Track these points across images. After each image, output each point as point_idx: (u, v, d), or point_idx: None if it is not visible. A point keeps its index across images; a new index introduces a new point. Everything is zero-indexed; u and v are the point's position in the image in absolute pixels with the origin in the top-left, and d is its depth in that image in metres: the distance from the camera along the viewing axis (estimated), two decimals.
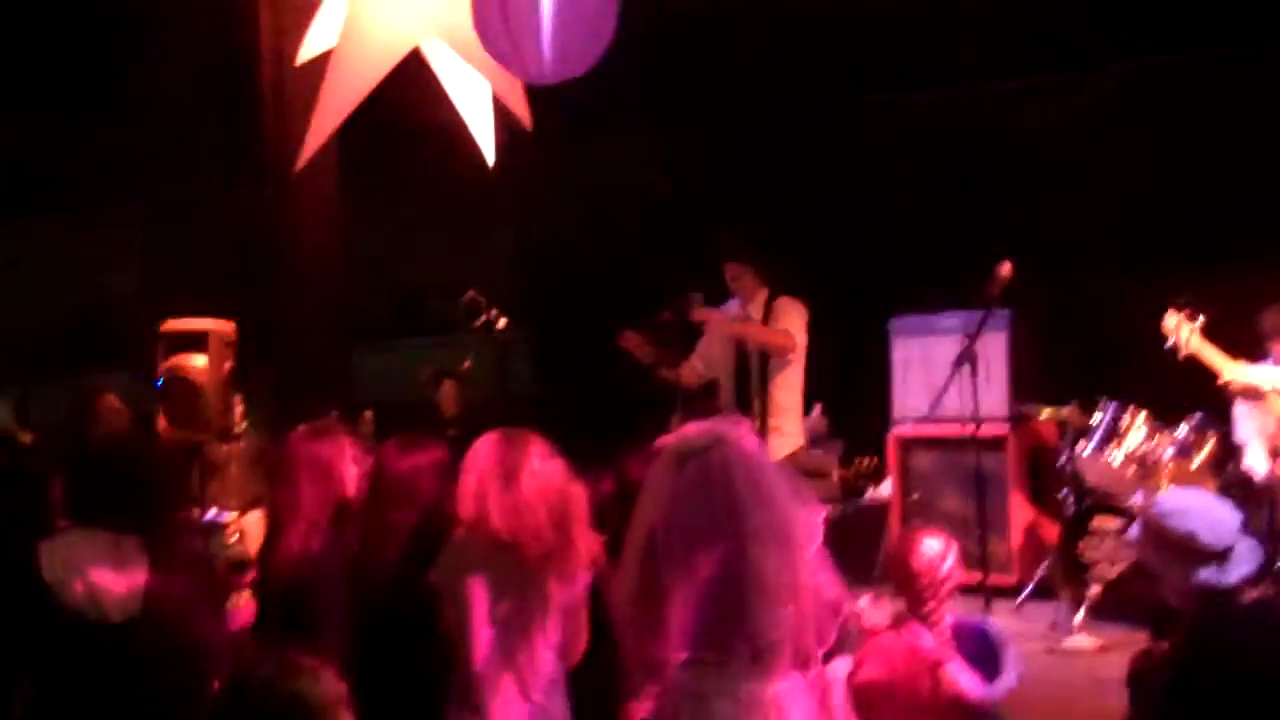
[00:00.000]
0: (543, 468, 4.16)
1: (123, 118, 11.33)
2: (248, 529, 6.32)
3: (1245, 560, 3.86)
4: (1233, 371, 6.62)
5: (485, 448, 4.23)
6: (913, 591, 4.20)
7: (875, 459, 8.49)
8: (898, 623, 4.19)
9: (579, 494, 4.22)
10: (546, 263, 11.69)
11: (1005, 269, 6.31)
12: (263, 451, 6.95)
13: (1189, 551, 3.86)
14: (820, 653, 3.84)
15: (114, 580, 3.90)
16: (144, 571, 3.92)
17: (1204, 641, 3.93)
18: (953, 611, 4.35)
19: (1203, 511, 3.90)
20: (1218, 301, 7.43)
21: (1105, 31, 9.00)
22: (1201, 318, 6.74)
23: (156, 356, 7.03)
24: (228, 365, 7.07)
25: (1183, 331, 6.71)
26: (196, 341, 7.01)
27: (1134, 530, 4.06)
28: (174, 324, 7.10)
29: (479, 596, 4.09)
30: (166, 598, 3.93)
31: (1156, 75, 9.33)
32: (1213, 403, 7.44)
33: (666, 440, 3.87)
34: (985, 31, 9.33)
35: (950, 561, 4.23)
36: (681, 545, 3.66)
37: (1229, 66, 9.04)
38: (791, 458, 7.04)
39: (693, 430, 3.79)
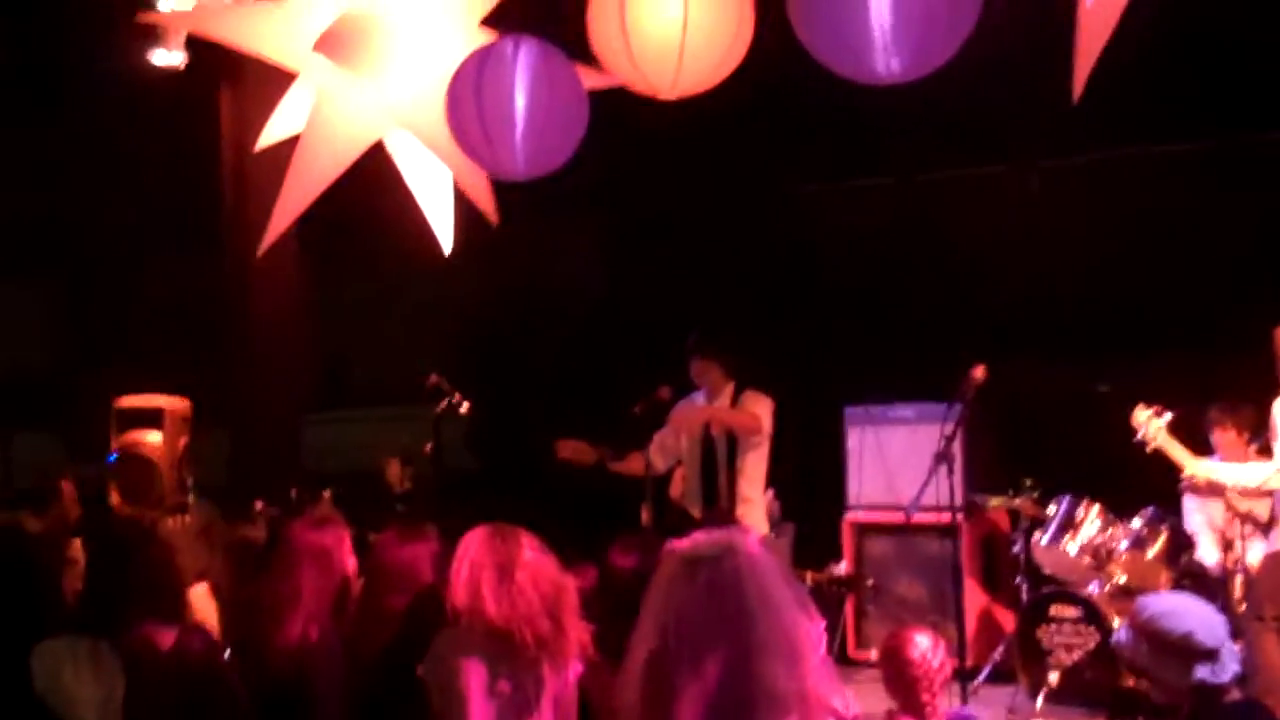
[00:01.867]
0: (535, 559, 4.22)
1: (69, 186, 11.25)
2: (195, 603, 6.26)
3: (1232, 659, 3.98)
4: (1195, 466, 6.78)
5: (477, 540, 4.26)
6: (907, 684, 4.25)
7: (848, 567, 8.58)
8: (893, 718, 4.24)
9: (570, 585, 4.27)
10: (483, 344, 11.71)
11: (979, 372, 6.47)
12: (210, 524, 6.92)
13: (1187, 651, 3.97)
14: None
15: (92, 688, 3.88)
16: (121, 678, 3.91)
17: None
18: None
19: (1196, 612, 4.02)
20: (1160, 391, 7.62)
21: (1033, 127, 9.21)
22: (1169, 414, 6.94)
23: (109, 431, 7.02)
24: (183, 441, 7.06)
25: (1151, 426, 6.91)
26: (151, 418, 7.01)
27: (1122, 634, 4.14)
28: (128, 400, 7.10)
29: (475, 684, 4.12)
30: (146, 705, 3.91)
31: (1085, 171, 9.56)
32: (1162, 495, 7.62)
33: (678, 545, 3.90)
34: (917, 124, 9.52)
35: (941, 655, 4.30)
36: (690, 651, 3.68)
37: (1157, 164, 9.28)
38: None
39: (704, 537, 3.83)
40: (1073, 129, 8.81)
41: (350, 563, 4.69)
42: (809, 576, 7.52)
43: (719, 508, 6.90)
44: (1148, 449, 6.92)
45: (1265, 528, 6.89)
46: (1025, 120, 9.01)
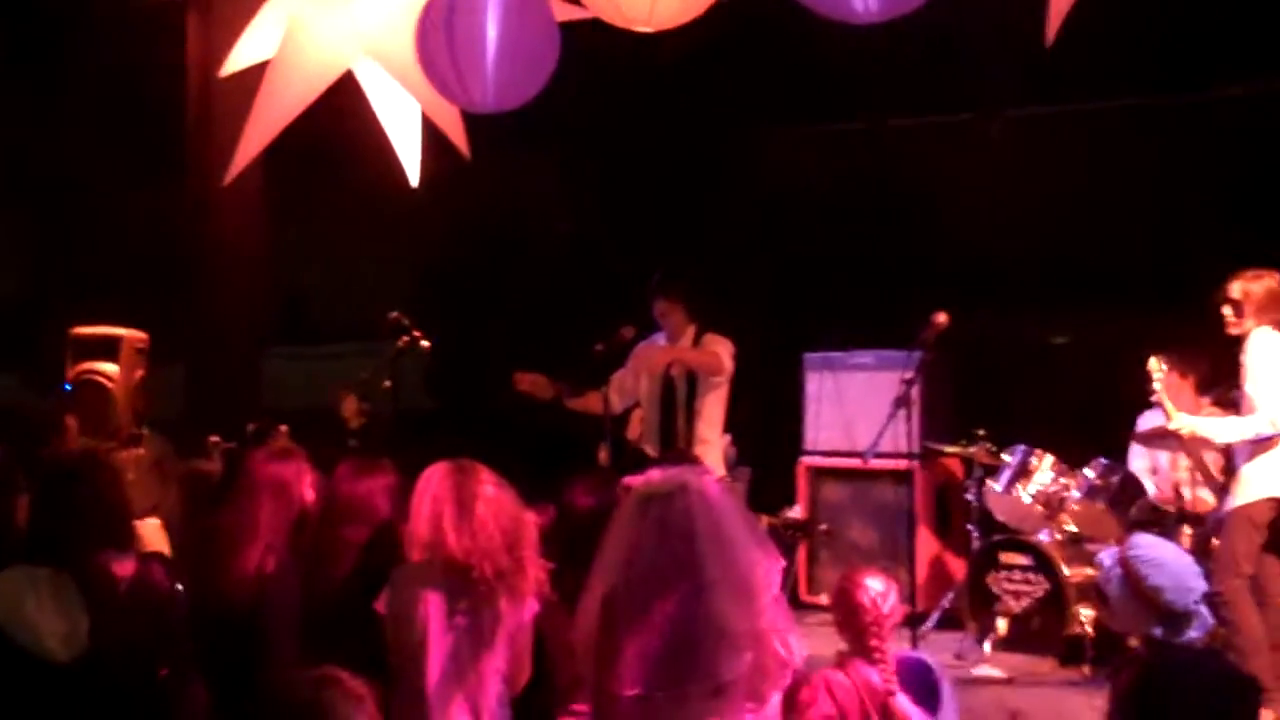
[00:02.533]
0: (495, 494, 4.24)
1: (33, 113, 11.09)
2: (145, 535, 6.25)
3: (1198, 626, 4.02)
4: (1179, 420, 6.80)
5: (438, 475, 4.28)
6: (858, 630, 4.26)
7: (804, 512, 8.64)
8: (843, 661, 4.27)
9: (530, 521, 4.31)
10: (445, 281, 11.67)
11: (941, 318, 6.51)
12: (164, 457, 6.90)
13: (1151, 605, 4.02)
14: (772, 695, 3.93)
15: (56, 620, 3.88)
16: (84, 609, 3.90)
17: (1149, 688, 4.11)
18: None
19: (1175, 572, 4.04)
20: (1118, 344, 7.69)
21: (1001, 76, 9.22)
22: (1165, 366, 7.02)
23: (65, 360, 6.96)
24: (139, 373, 7.01)
25: (1156, 376, 6.95)
26: (107, 347, 6.95)
27: (1105, 558, 4.19)
28: (84, 329, 7.03)
29: (433, 616, 4.15)
30: (112, 636, 3.91)
31: (1051, 122, 9.58)
32: (1117, 447, 7.70)
33: (633, 482, 3.94)
34: (886, 69, 9.51)
35: (893, 599, 4.31)
36: (643, 587, 3.73)
37: (1121, 117, 9.31)
38: None
39: (658, 475, 3.87)
40: (1040, 79, 8.89)
41: (309, 495, 4.70)
42: (763, 520, 7.59)
43: (676, 448, 6.91)
44: (1152, 399, 6.97)
45: (1212, 479, 6.98)
46: (993, 69, 9.05)
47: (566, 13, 6.12)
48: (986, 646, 7.62)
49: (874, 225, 10.02)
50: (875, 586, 4.27)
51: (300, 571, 4.51)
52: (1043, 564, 7.54)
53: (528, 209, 11.11)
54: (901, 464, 7.63)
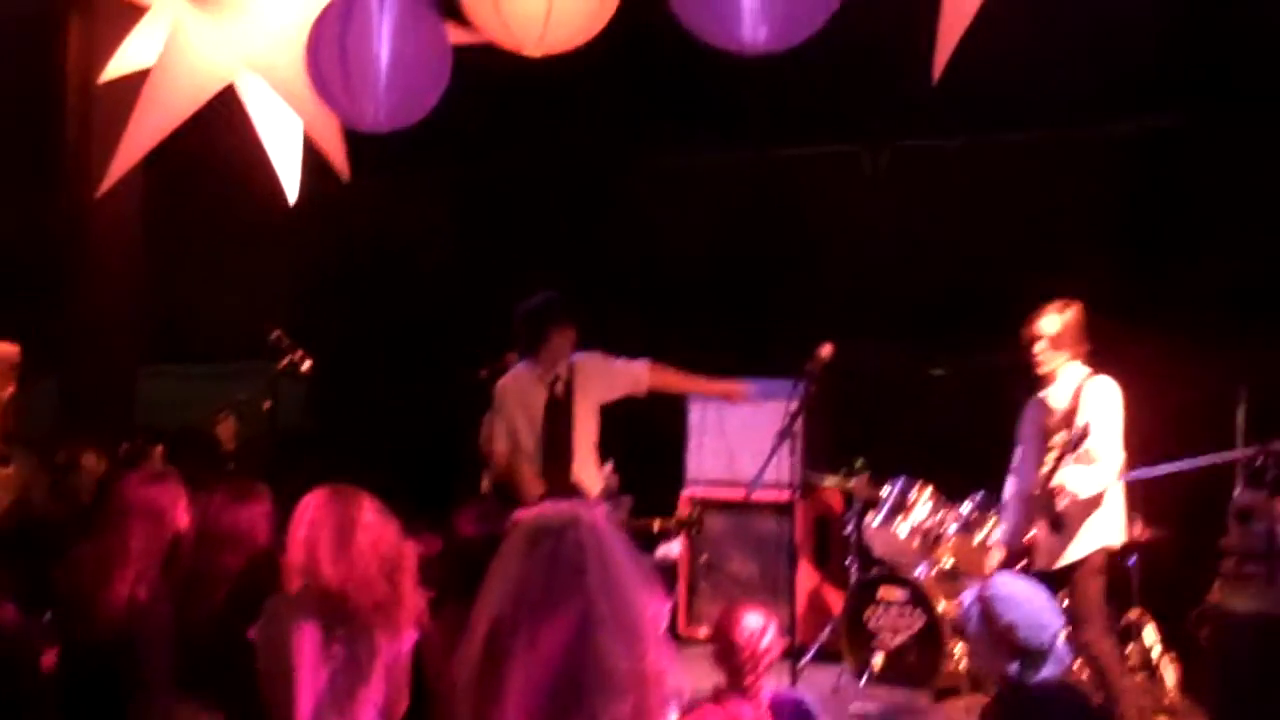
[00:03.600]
0: (375, 522, 4.15)
1: None
2: None
3: (1053, 664, 4.06)
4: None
5: (316, 501, 4.19)
6: (734, 665, 4.27)
7: (699, 509, 8.56)
8: (719, 696, 4.25)
9: (409, 550, 4.22)
10: (327, 302, 11.51)
11: (826, 350, 6.47)
12: (33, 477, 6.71)
13: (1004, 642, 4.06)
14: None
15: None
16: None
17: None
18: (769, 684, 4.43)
19: (1030, 610, 4.09)
20: (995, 376, 7.78)
21: (888, 108, 9.32)
22: None
23: None
24: (9, 390, 6.84)
25: None
26: None
27: (967, 596, 4.22)
28: None
29: (307, 646, 4.06)
30: None
31: (933, 154, 9.69)
32: (994, 480, 7.77)
33: (523, 516, 3.86)
34: (770, 98, 9.56)
35: (770, 636, 4.31)
36: (529, 622, 3.65)
37: (1004, 151, 9.44)
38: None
39: (549, 509, 3.79)
40: (927, 112, 9.00)
41: (183, 521, 4.57)
42: (656, 523, 7.52)
43: (566, 478, 6.78)
44: None
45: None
46: (880, 101, 9.14)
47: (459, 36, 6.05)
48: (863, 681, 7.66)
49: (757, 255, 10.07)
50: (753, 623, 4.27)
51: (174, 600, 4.37)
52: (919, 599, 7.61)
53: (410, 228, 10.99)
54: (783, 496, 7.63)
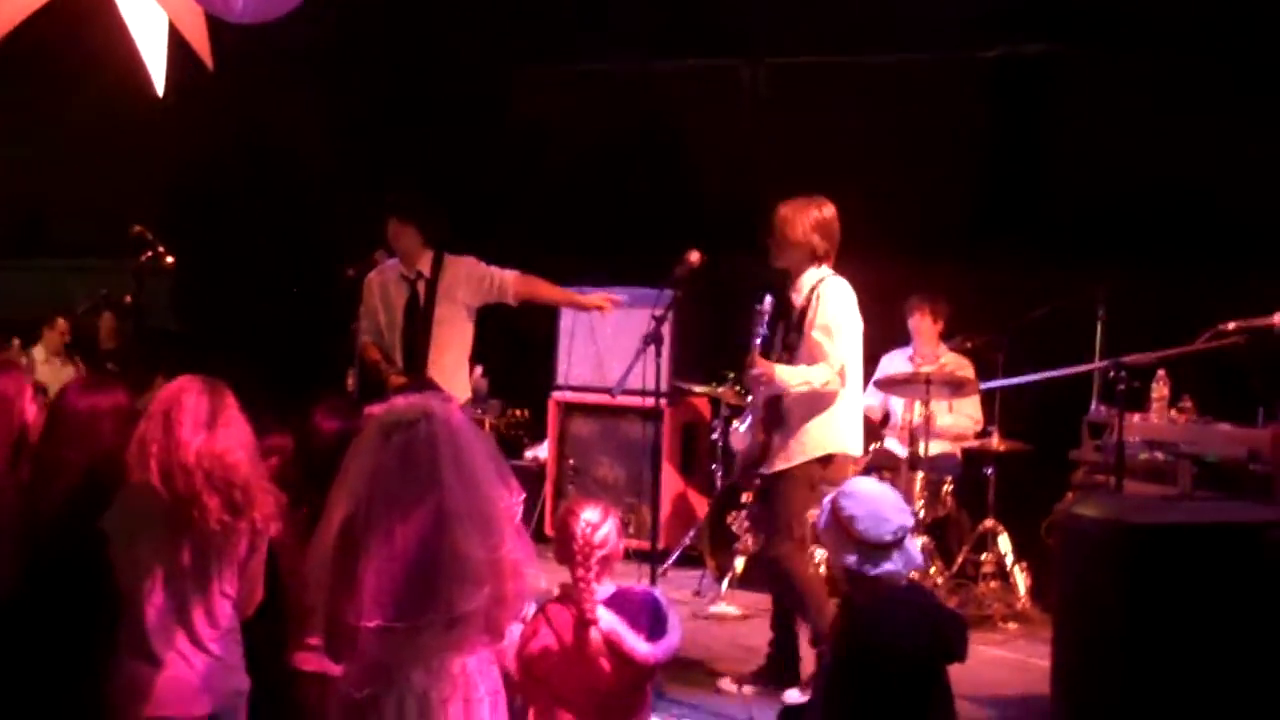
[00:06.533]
0: (209, 422, 4.09)
1: None
2: None
3: (897, 561, 4.16)
4: (762, 366, 6.28)
5: (162, 396, 4.12)
6: (571, 559, 4.27)
7: (526, 411, 8.58)
8: (565, 592, 4.28)
9: (243, 456, 4.15)
10: (194, 198, 11.30)
11: (694, 257, 6.36)
12: None
13: (845, 534, 4.18)
14: (509, 627, 3.92)
15: None
16: None
17: (853, 619, 4.29)
18: (615, 579, 4.44)
19: (872, 503, 4.20)
20: (877, 286, 7.88)
21: (767, 23, 9.33)
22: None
23: None
24: None
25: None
26: None
27: (824, 500, 4.31)
28: None
29: (155, 546, 4.01)
30: None
31: (812, 71, 9.73)
32: None
33: (374, 410, 3.85)
34: (648, 11, 9.53)
35: (606, 530, 4.29)
36: (382, 516, 3.66)
37: (882, 71, 9.51)
38: None
39: (401, 403, 3.79)
40: (806, 29, 9.03)
41: (30, 411, 4.48)
42: (488, 423, 7.53)
43: (423, 375, 6.76)
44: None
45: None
46: (759, 15, 9.14)
47: None
48: (724, 584, 7.78)
49: (634, 165, 10.07)
50: (589, 517, 4.27)
51: (21, 487, 4.29)
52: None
53: (279, 127, 10.81)
54: (650, 402, 7.66)
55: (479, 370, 8.18)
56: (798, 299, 6.25)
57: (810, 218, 6.23)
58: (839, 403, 6.16)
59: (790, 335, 6.22)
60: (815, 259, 6.25)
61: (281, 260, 10.41)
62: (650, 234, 9.08)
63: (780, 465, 6.19)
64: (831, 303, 6.15)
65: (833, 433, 6.18)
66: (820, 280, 6.20)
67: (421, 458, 3.67)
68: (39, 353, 9.38)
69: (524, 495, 3.90)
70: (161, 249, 7.22)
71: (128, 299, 7.44)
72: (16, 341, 7.64)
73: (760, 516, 6.65)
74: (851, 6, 9.08)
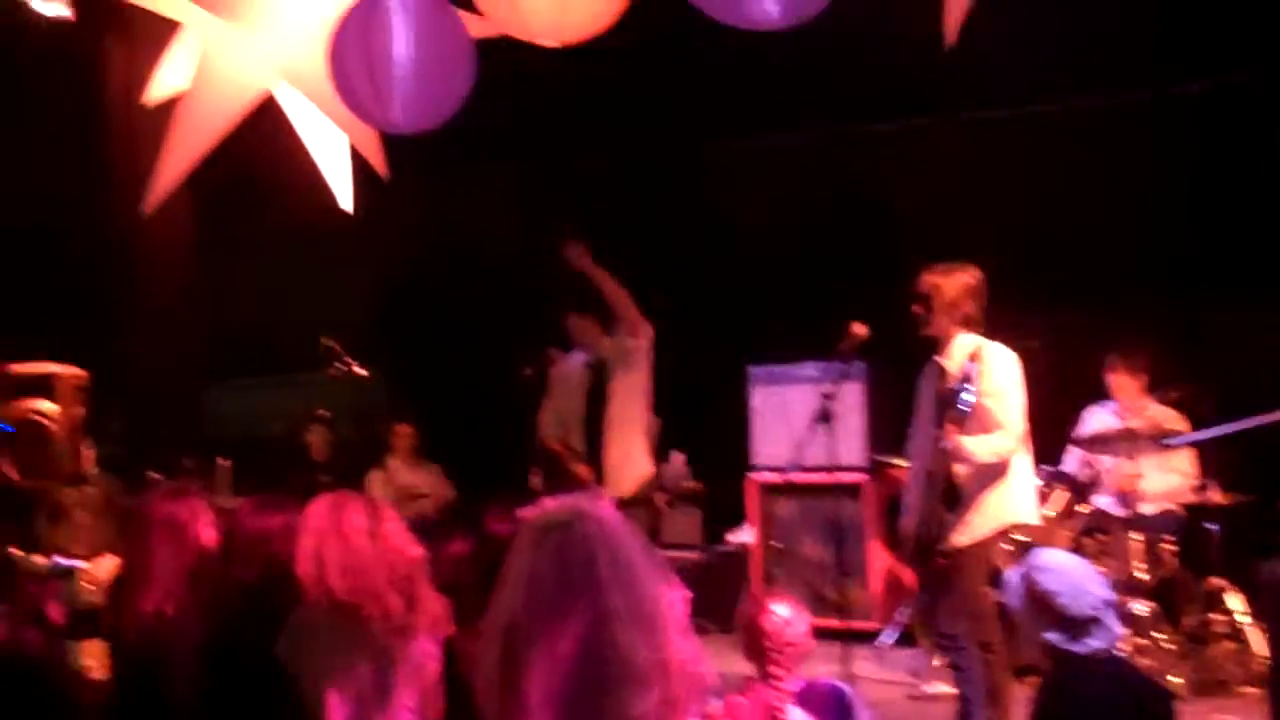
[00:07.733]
0: (376, 528, 4.09)
1: None
2: (99, 575, 6.12)
3: (1101, 635, 3.94)
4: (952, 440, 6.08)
5: (318, 509, 4.14)
6: (760, 654, 4.20)
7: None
8: (747, 685, 4.20)
9: (419, 556, 4.15)
10: (400, 305, 11.54)
11: (859, 329, 6.26)
12: (112, 497, 6.77)
13: (1045, 610, 3.97)
14: None
15: None
16: None
17: (1050, 695, 4.06)
18: (806, 673, 4.34)
19: (1069, 576, 4.01)
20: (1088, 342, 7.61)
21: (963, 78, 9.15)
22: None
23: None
24: (79, 411, 6.89)
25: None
26: (41, 385, 6.82)
27: (1011, 574, 4.13)
28: (18, 367, 6.89)
29: (333, 663, 4.00)
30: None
31: (1006, 125, 9.48)
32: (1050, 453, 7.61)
33: (527, 513, 3.79)
34: (838, 77, 9.41)
35: (798, 627, 4.22)
36: (543, 622, 3.57)
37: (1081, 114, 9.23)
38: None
39: (552, 504, 3.72)
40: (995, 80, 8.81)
41: (208, 535, 4.54)
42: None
43: (577, 469, 6.70)
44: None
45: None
46: (942, 72, 8.96)
47: (481, 29, 5.99)
48: (938, 662, 7.50)
49: (821, 234, 9.93)
50: (781, 613, 4.18)
51: (202, 615, 4.34)
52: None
53: (473, 226, 10.97)
54: (850, 477, 7.52)
55: (681, 459, 8.14)
56: (951, 366, 6.05)
57: (960, 282, 6.08)
58: (1013, 470, 5.95)
59: (950, 409, 5.91)
60: (966, 325, 6.06)
61: (476, 361, 10.51)
62: (833, 304, 8.94)
63: (962, 540, 5.95)
64: (998, 368, 5.96)
65: (1010, 502, 5.97)
66: (978, 346, 6.00)
67: (578, 559, 3.59)
68: (393, 461, 9.71)
69: (689, 593, 3.79)
70: (349, 358, 7.35)
71: (322, 413, 7.58)
72: (226, 463, 7.80)
73: (929, 608, 6.39)
74: (1044, 54, 8.84)
